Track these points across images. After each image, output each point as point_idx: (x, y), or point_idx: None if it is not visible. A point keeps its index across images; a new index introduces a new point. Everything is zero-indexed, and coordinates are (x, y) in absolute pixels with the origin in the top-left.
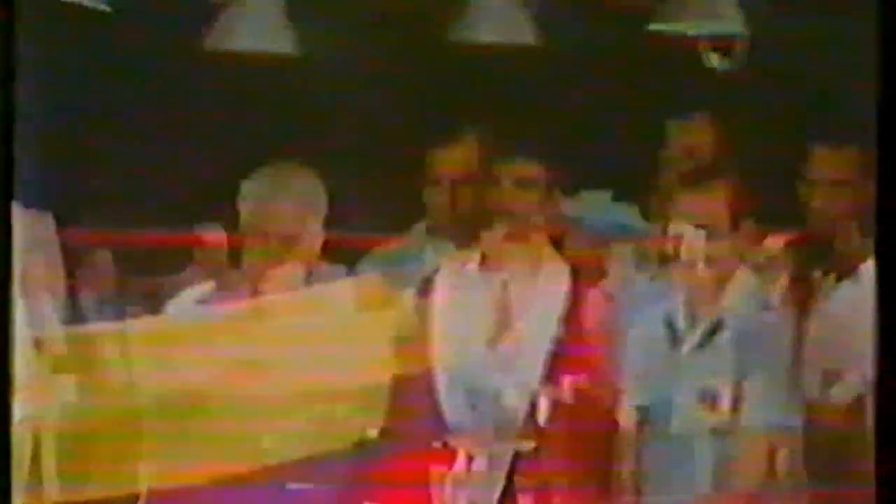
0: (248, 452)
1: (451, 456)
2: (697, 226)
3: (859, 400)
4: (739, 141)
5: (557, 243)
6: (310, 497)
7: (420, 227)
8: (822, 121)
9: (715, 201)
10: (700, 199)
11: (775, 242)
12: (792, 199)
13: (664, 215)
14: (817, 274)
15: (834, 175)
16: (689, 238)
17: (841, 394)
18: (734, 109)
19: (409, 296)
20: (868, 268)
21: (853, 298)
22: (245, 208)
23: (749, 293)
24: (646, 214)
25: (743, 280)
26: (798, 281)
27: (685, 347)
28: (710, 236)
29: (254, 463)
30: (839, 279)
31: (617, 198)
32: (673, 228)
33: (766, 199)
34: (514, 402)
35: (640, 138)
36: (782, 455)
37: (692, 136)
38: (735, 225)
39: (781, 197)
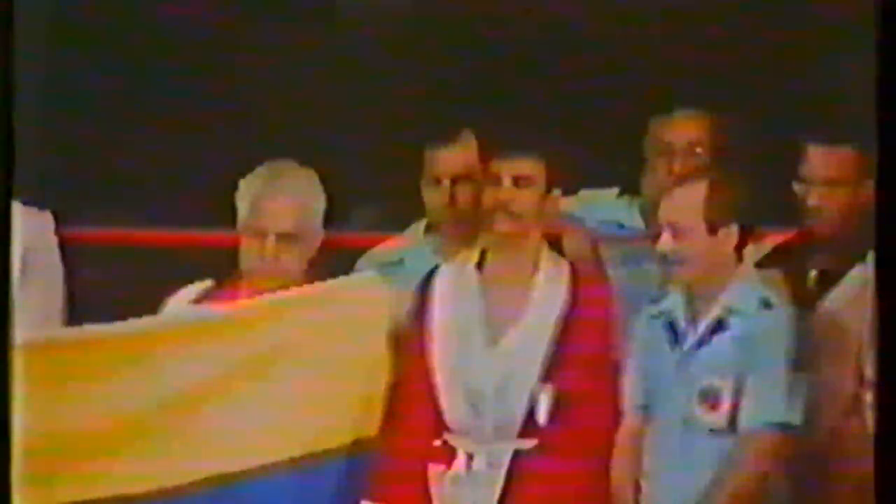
0: (245, 452)
1: (450, 455)
2: (687, 225)
3: (858, 399)
4: (735, 139)
5: (557, 242)
6: (308, 497)
7: (419, 225)
8: (818, 120)
9: (705, 199)
10: (692, 198)
11: (772, 241)
12: (788, 198)
13: (658, 214)
14: (814, 273)
15: (830, 174)
16: (681, 237)
17: (838, 392)
18: (730, 108)
19: (407, 294)
20: (866, 267)
21: (850, 298)
22: (243, 207)
23: (749, 292)
24: (645, 213)
25: (743, 279)
26: (796, 280)
27: (685, 347)
28: (703, 236)
29: (251, 463)
30: (836, 278)
31: (619, 196)
32: (664, 227)
33: (763, 197)
34: (514, 401)
35: (640, 136)
36: (782, 454)
37: (687, 133)
38: (727, 224)
39: (777, 196)
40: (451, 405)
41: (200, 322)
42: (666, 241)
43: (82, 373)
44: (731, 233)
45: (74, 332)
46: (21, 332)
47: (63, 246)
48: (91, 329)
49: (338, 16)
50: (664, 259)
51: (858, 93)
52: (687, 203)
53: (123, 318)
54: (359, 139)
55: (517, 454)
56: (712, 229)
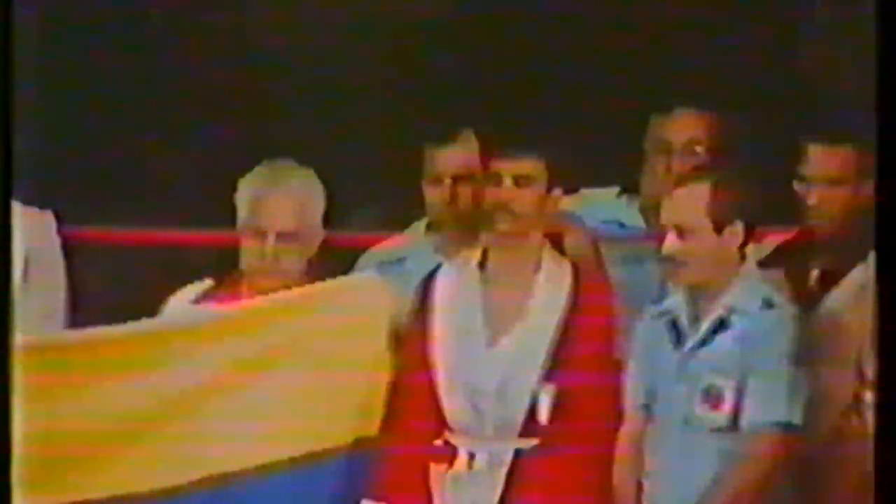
0: (246, 452)
1: (451, 454)
2: (692, 225)
3: (858, 399)
4: (734, 138)
5: (558, 241)
6: (308, 496)
7: (419, 225)
8: (817, 118)
9: (709, 199)
10: (696, 198)
11: (774, 241)
12: (788, 197)
13: (659, 213)
14: (815, 272)
15: (829, 173)
16: (687, 238)
17: (840, 392)
18: (730, 107)
19: (409, 294)
20: (867, 267)
21: (851, 297)
22: (243, 207)
23: (751, 292)
24: (645, 212)
25: (745, 279)
26: (797, 280)
27: (688, 346)
28: (709, 235)
29: (252, 462)
30: (837, 278)
31: (619, 195)
32: (668, 229)
33: (763, 196)
34: (515, 400)
35: (641, 135)
36: (784, 453)
37: (687, 132)
38: (731, 223)
39: (778, 195)
40: (453, 404)
41: (201, 322)
42: (671, 243)
43: (83, 374)
44: (737, 231)
45: (75, 334)
46: (22, 334)
47: (64, 246)
48: (91, 331)
49: (338, 16)
50: (670, 261)
51: (858, 93)
52: (691, 203)
53: (124, 317)
54: (359, 139)
55: (518, 453)
56: (717, 228)
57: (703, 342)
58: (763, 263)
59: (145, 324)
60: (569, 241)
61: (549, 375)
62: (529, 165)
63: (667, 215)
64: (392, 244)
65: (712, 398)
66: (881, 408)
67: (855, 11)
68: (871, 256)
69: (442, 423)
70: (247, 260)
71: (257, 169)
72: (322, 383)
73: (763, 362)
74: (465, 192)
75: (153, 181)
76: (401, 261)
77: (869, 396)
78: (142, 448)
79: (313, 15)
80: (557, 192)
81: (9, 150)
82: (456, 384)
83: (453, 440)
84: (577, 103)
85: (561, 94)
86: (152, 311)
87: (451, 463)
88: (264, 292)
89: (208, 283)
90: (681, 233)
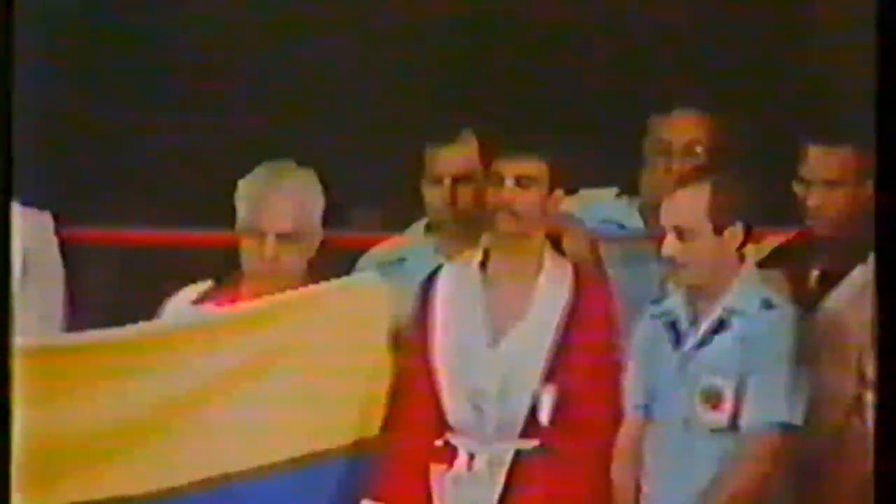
0: (246, 452)
1: (451, 455)
2: (692, 227)
3: (859, 399)
4: (734, 139)
5: (558, 242)
6: (309, 497)
7: (420, 225)
8: (818, 120)
9: (709, 200)
10: (696, 199)
11: (773, 241)
12: (788, 198)
13: (658, 214)
14: (815, 273)
15: (829, 174)
16: (687, 239)
17: (840, 392)
18: (730, 108)
19: (409, 295)
20: (867, 267)
21: (851, 298)
22: (242, 207)
23: (751, 293)
24: (645, 213)
25: (744, 279)
26: (797, 280)
27: (687, 346)
28: (709, 237)
29: (252, 463)
30: (837, 278)
31: (618, 196)
32: (668, 231)
33: (763, 197)
34: (516, 401)
35: (641, 136)
36: (783, 454)
37: (687, 132)
38: (731, 224)
39: (778, 195)
40: (453, 405)
41: (201, 323)
42: (671, 244)
43: (83, 376)
44: (737, 232)
45: (75, 336)
46: (22, 336)
47: (63, 246)
48: (91, 334)
49: (338, 16)
50: (670, 262)
51: (858, 93)
52: (691, 205)
53: (123, 318)
54: (359, 139)
55: (519, 454)
56: (717, 229)
57: (703, 343)
58: (763, 264)
59: (144, 326)
60: (568, 242)
61: (549, 376)
62: (531, 166)
63: (667, 216)
64: (392, 245)
65: (712, 399)
66: (881, 408)
67: (855, 11)
68: (871, 257)
69: (443, 424)
70: (247, 261)
71: (257, 169)
72: (322, 384)
73: (763, 363)
74: (465, 192)
75: (153, 181)
76: (401, 261)
77: (869, 396)
78: (142, 449)
79: (314, 15)
80: (559, 192)
81: (9, 150)
82: (457, 385)
83: (454, 440)
84: (577, 104)
85: (562, 94)
86: (152, 312)
87: (451, 463)
88: (264, 293)
89: (208, 284)
90: (680, 234)
